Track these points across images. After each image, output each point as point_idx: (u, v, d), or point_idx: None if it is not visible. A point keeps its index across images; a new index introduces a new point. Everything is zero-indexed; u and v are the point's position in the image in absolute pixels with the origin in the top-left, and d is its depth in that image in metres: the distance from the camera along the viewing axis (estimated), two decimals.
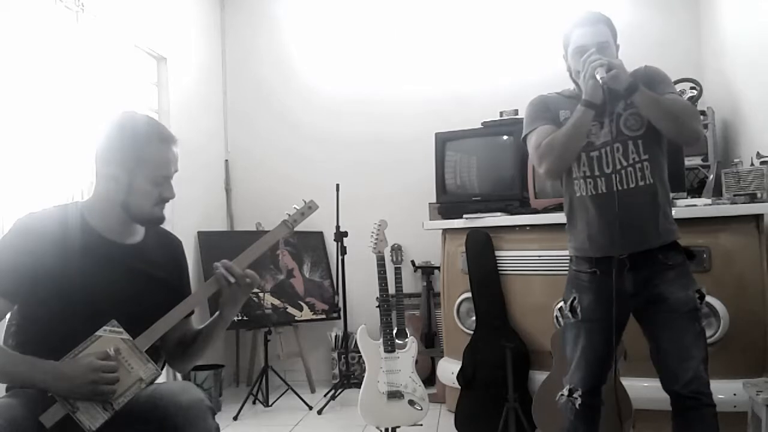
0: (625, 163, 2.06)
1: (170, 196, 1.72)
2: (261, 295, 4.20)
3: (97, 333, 1.55)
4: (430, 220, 4.14)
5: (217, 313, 1.76)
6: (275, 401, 4.03)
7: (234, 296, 1.71)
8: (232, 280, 1.67)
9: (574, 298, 2.17)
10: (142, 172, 1.66)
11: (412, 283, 4.53)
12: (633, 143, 2.06)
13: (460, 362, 3.38)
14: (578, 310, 2.15)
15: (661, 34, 4.22)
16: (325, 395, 4.07)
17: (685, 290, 2.04)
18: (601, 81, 1.96)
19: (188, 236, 4.16)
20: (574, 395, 2.18)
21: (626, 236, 2.03)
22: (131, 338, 1.57)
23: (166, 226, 1.84)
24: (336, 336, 4.55)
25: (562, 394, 2.22)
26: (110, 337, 1.55)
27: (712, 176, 3.35)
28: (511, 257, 3.38)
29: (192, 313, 1.82)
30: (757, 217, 2.89)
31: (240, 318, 4.05)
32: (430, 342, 4.34)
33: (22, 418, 1.48)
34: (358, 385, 3.16)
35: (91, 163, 1.72)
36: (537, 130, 2.14)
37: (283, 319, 4.31)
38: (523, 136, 2.21)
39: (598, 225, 2.10)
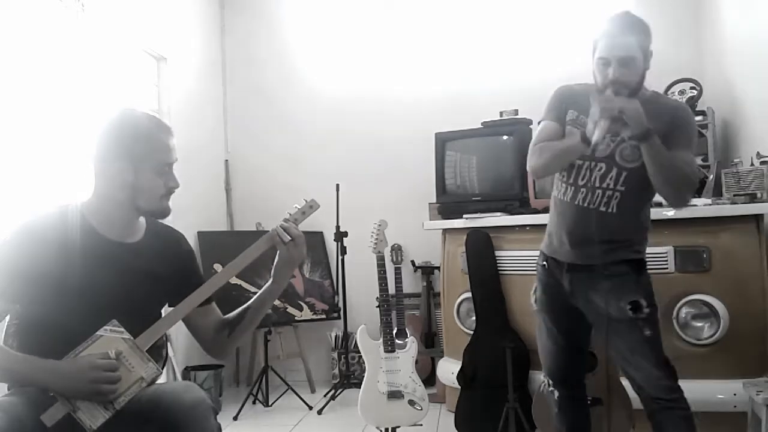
0: (596, 184, 2.05)
1: (175, 186, 1.73)
2: None
3: (98, 333, 1.54)
4: (430, 220, 4.14)
5: (267, 283, 1.77)
6: (275, 401, 4.03)
7: (291, 257, 1.72)
8: (287, 238, 1.68)
9: (535, 289, 2.29)
10: (147, 162, 1.66)
11: (412, 283, 4.53)
12: (617, 171, 2.02)
13: (460, 362, 3.38)
14: (534, 300, 2.30)
15: (661, 34, 4.18)
16: (325, 395, 4.07)
17: (617, 301, 2.04)
18: (605, 133, 1.90)
19: (188, 236, 4.06)
20: (550, 386, 2.26)
21: (571, 248, 2.09)
22: (132, 338, 1.57)
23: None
24: (336, 336, 4.55)
25: (542, 383, 2.32)
26: (111, 336, 1.55)
27: (712, 176, 3.35)
28: (511, 257, 3.38)
29: (212, 300, 1.82)
30: (757, 217, 2.90)
31: None
32: (430, 342, 4.34)
33: (24, 416, 1.47)
34: (358, 385, 3.16)
35: (89, 163, 1.71)
36: (543, 124, 2.17)
37: (283, 319, 4.31)
38: (538, 121, 2.24)
39: (555, 227, 2.17)
